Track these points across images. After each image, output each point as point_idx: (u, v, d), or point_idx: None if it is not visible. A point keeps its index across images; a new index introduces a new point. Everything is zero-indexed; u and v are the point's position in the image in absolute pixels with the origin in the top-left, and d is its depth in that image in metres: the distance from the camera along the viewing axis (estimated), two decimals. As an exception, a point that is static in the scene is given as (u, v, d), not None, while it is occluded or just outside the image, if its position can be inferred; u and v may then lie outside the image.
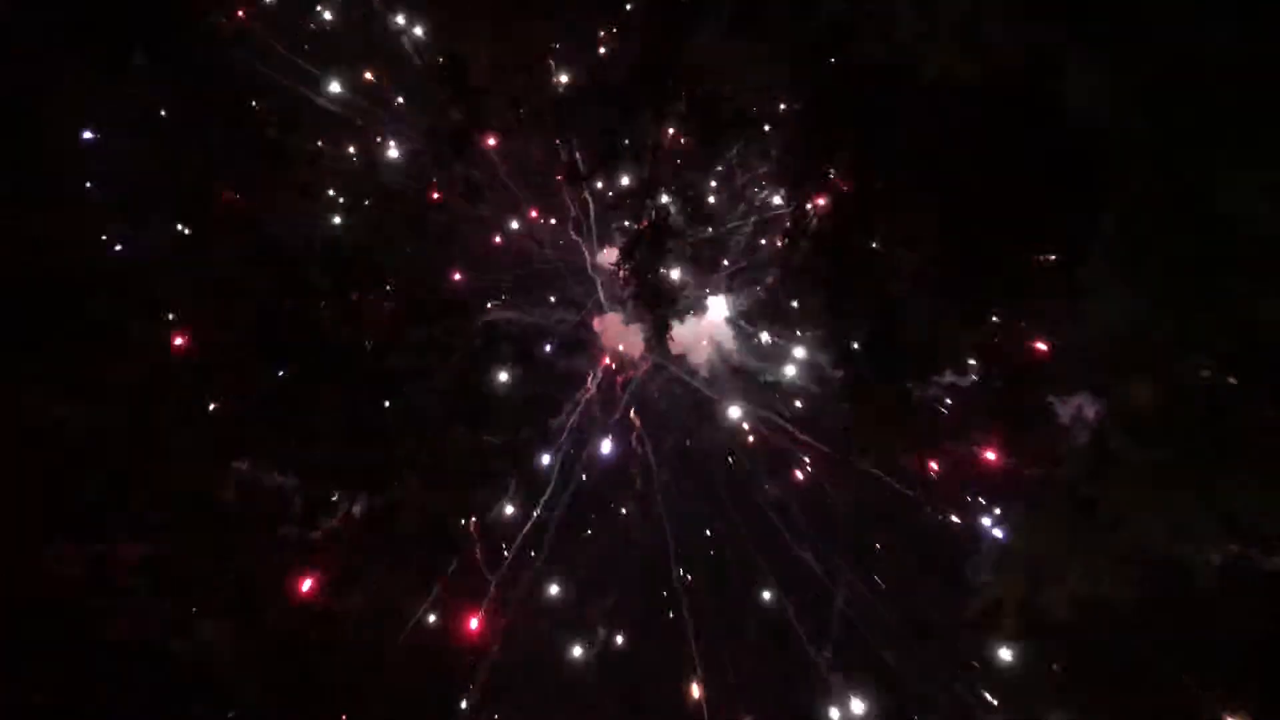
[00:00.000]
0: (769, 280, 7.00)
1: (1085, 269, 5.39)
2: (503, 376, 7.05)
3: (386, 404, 6.77)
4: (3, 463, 5.77)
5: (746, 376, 8.07)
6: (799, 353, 7.58)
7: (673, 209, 6.87)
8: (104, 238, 6.46)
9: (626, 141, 6.95)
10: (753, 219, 7.53)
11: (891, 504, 7.25)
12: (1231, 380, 5.05)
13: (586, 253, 8.16)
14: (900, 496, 7.12)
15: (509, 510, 7.76)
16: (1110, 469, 5.17)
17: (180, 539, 6.23)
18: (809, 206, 6.44)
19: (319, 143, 6.89)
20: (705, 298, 8.08)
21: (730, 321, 7.79)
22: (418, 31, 6.78)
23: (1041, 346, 6.22)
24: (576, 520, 8.02)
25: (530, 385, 7.34)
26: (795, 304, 6.63)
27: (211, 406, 6.37)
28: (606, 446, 8.21)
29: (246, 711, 6.29)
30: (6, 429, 5.77)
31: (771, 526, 7.78)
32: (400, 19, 6.85)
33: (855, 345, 6.34)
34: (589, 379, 8.26)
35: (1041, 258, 5.91)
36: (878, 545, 7.43)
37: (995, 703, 6.65)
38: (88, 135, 6.32)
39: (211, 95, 6.37)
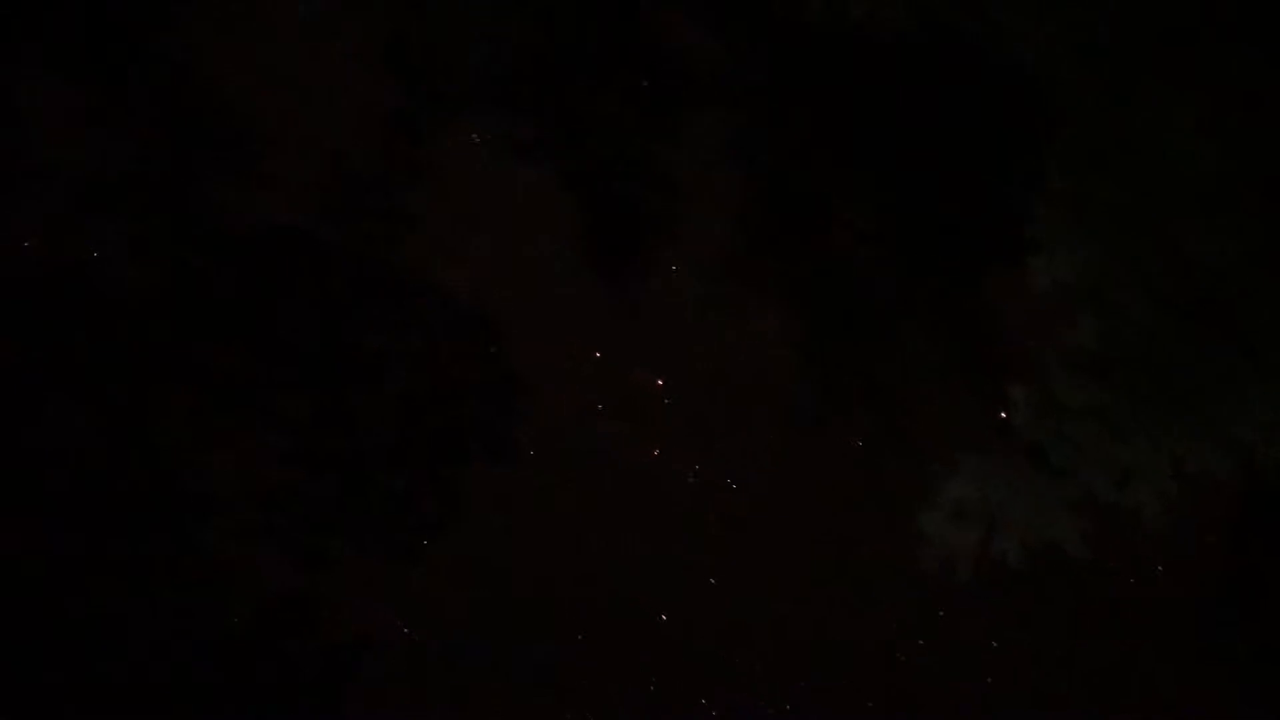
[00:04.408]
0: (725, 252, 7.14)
1: (1034, 224, 5.52)
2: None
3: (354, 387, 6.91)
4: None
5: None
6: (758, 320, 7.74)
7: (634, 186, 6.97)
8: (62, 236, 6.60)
9: (584, 118, 7.08)
10: (706, 187, 7.67)
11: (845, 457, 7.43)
12: (1179, 323, 5.18)
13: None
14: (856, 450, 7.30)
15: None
16: (1058, 415, 5.29)
17: (150, 530, 6.39)
18: (762, 174, 6.58)
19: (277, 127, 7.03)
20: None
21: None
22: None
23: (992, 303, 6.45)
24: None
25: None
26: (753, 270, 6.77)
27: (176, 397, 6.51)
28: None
29: (225, 701, 6.42)
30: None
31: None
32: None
33: (810, 310, 6.52)
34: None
35: (989, 216, 6.06)
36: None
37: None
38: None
39: (155, 80, 6.55)
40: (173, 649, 6.21)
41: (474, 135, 7.01)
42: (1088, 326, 5.11)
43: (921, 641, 7.11)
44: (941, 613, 6.95)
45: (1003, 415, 5.58)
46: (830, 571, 7.20)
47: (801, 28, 5.37)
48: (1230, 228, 4.55)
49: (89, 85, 6.17)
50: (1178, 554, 5.89)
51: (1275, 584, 5.74)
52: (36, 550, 6.00)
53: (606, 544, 7.28)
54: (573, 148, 6.69)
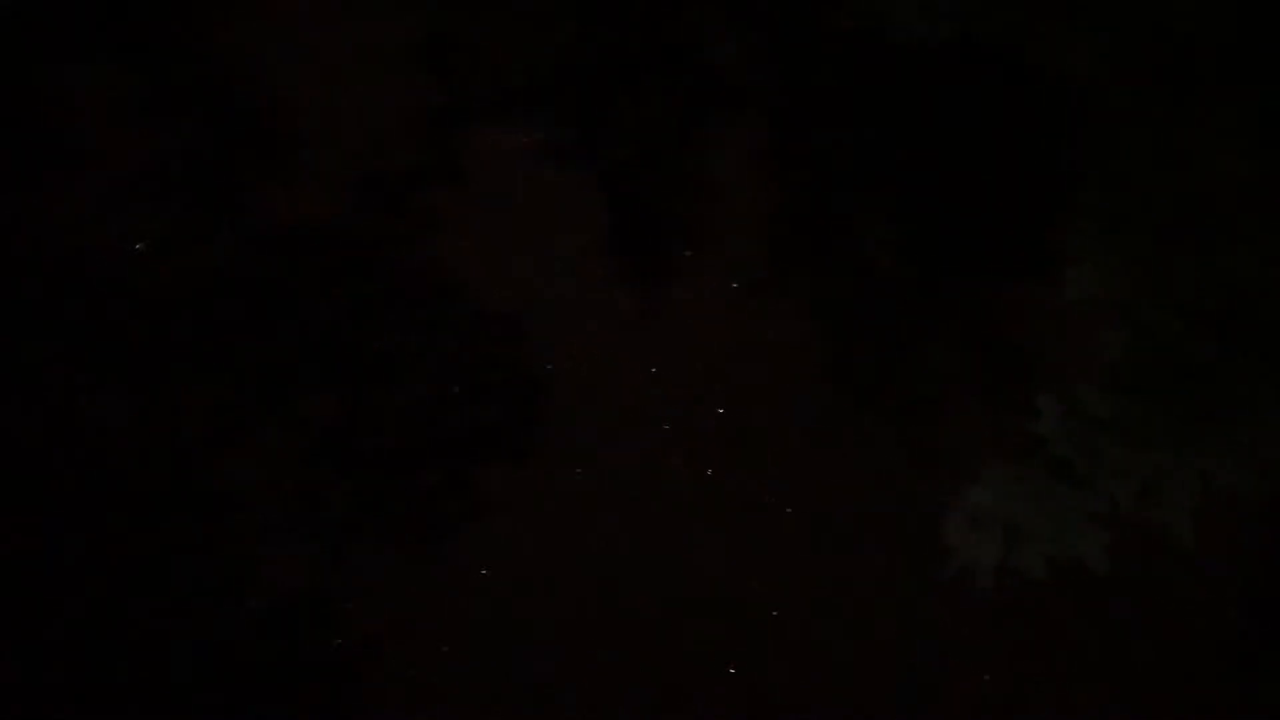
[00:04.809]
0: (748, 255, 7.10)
1: (1065, 236, 5.47)
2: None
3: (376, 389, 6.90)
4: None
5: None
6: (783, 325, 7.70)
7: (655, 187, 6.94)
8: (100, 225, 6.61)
9: (608, 120, 7.06)
10: (733, 194, 7.64)
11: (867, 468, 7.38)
12: (1208, 337, 5.13)
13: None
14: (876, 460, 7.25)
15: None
16: (1084, 426, 5.24)
17: (171, 525, 6.38)
18: (788, 180, 6.55)
19: (303, 125, 7.03)
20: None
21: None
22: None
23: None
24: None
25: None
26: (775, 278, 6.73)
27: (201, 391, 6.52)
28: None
29: (244, 695, 6.40)
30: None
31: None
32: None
33: (836, 316, 6.48)
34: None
35: (1020, 226, 6.01)
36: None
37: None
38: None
39: (192, 77, 6.56)
40: (188, 645, 6.20)
41: (505, 137, 7.02)
42: (1117, 339, 5.07)
43: (939, 650, 7.05)
44: (959, 622, 6.89)
45: (1028, 426, 5.55)
46: (848, 579, 7.16)
47: (833, 35, 5.36)
48: (1264, 244, 4.50)
49: (129, 78, 6.20)
50: (1202, 570, 5.81)
51: (1300, 601, 5.66)
52: (56, 544, 6.00)
53: (627, 549, 7.25)
54: (602, 152, 6.69)
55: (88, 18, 6.08)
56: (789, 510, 7.71)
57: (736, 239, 6.91)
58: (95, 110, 6.19)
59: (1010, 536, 5.59)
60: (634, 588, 7.62)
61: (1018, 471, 5.50)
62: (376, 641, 6.90)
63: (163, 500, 6.19)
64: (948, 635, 7.21)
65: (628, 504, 7.75)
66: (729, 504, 7.91)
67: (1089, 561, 5.46)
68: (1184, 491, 5.14)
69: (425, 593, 7.17)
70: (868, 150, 6.14)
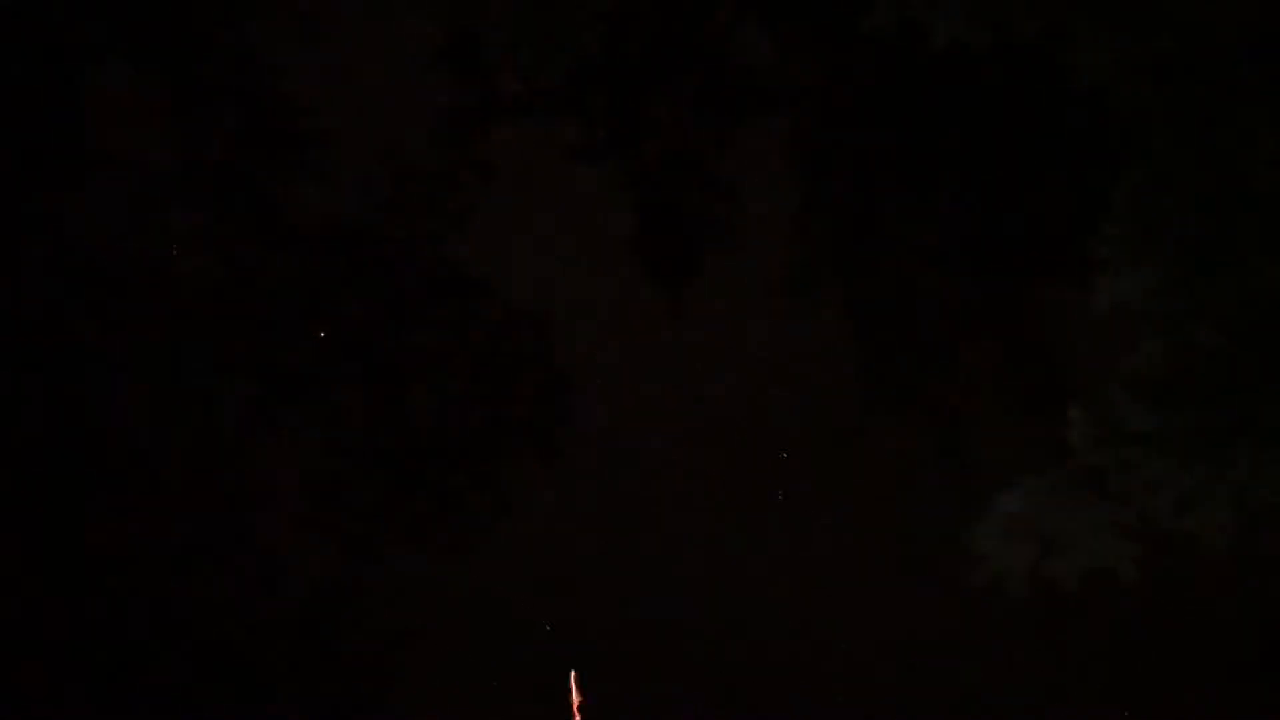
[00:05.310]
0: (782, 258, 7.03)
1: (1098, 243, 5.37)
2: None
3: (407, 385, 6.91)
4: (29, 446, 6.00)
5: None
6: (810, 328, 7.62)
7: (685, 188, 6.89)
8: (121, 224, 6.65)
9: (638, 121, 7.00)
10: (767, 196, 7.57)
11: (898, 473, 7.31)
12: (1245, 348, 5.02)
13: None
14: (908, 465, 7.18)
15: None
16: (1117, 437, 5.15)
17: (202, 516, 6.43)
18: (824, 184, 6.47)
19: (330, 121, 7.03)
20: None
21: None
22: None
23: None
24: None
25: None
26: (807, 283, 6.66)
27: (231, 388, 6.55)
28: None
29: (270, 688, 6.44)
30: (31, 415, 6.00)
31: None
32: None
33: (865, 321, 6.41)
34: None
35: (1052, 232, 5.91)
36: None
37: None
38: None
39: (221, 76, 6.57)
40: (218, 634, 6.24)
41: (530, 136, 6.99)
42: (1152, 348, 4.97)
43: (969, 658, 7.00)
44: (990, 631, 6.82)
45: (1060, 435, 5.47)
46: (880, 585, 7.12)
47: (863, 35, 5.27)
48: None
49: (155, 79, 6.22)
50: (1234, 584, 5.73)
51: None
52: (81, 538, 6.05)
53: (625, 549, 7.22)
54: (628, 151, 6.64)
55: (109, 18, 6.08)
56: (818, 512, 7.67)
57: (765, 240, 6.84)
58: (117, 111, 6.20)
59: (1042, 545, 5.50)
60: (634, 588, 7.56)
61: (1050, 480, 5.40)
62: (406, 634, 6.94)
63: (199, 492, 6.24)
64: (974, 642, 7.16)
65: (654, 504, 7.73)
66: (755, 505, 7.87)
67: (1120, 573, 5.37)
68: (1218, 505, 5.03)
69: (426, 593, 7.18)
70: (899, 153, 6.06)
